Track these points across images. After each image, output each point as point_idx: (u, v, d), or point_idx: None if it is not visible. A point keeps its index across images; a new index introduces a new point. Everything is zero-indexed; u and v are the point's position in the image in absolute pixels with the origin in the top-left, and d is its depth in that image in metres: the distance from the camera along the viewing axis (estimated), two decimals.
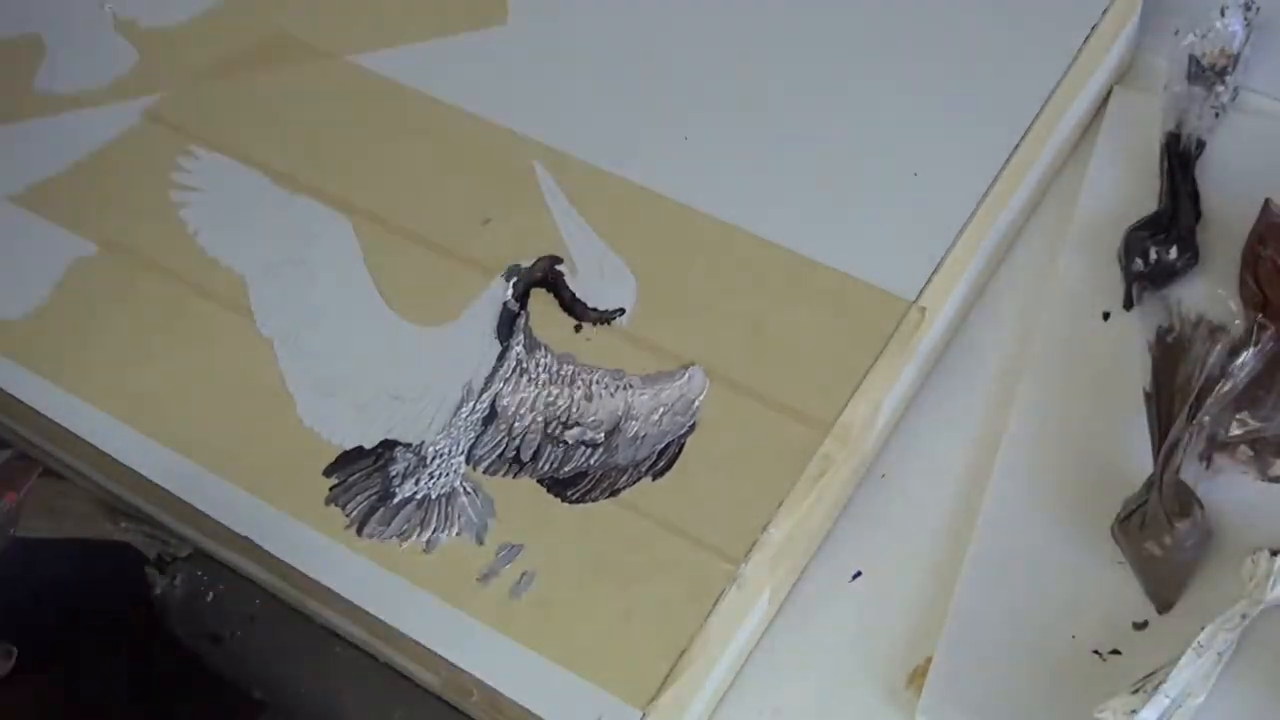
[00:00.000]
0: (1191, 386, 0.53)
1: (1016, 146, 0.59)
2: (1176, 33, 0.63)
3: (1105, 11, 0.62)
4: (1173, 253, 0.58)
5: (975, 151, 0.59)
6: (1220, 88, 0.62)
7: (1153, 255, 0.58)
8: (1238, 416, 0.53)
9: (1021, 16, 0.63)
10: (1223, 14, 0.63)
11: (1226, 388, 0.53)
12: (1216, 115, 0.62)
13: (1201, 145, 0.61)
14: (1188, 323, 0.56)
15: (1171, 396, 0.54)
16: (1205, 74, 0.62)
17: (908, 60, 0.63)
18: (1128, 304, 0.58)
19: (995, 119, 0.60)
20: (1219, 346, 0.53)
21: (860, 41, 0.64)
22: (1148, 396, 0.55)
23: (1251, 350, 0.53)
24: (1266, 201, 0.59)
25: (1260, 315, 0.55)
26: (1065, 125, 0.62)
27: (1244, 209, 0.59)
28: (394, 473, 0.55)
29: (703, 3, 0.66)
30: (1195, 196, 0.60)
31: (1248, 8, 0.63)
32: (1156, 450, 0.53)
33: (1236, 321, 0.55)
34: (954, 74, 0.62)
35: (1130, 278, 0.58)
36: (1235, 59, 0.63)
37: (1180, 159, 0.61)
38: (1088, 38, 0.62)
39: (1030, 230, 0.63)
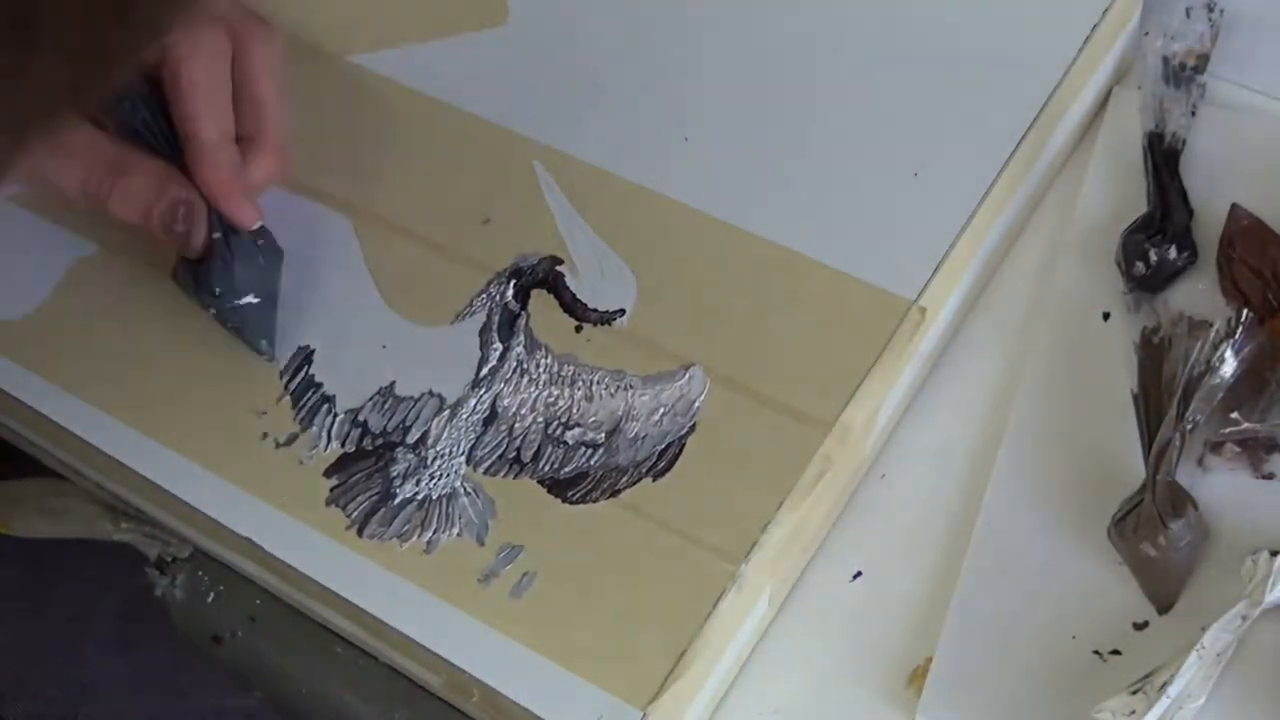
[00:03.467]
0: (1177, 384, 0.53)
1: (1016, 147, 0.59)
2: (1146, 34, 0.63)
3: (1105, 11, 0.62)
4: (1172, 252, 0.58)
5: (975, 151, 0.60)
6: (1195, 87, 0.62)
7: (1152, 257, 0.58)
8: (1230, 416, 0.54)
9: (1021, 17, 0.63)
10: (1188, 15, 0.63)
11: (1214, 383, 0.53)
12: (1193, 113, 0.62)
13: (1184, 143, 0.61)
14: (1170, 321, 0.56)
15: (1159, 396, 0.54)
16: (1178, 74, 0.62)
17: (908, 60, 0.63)
18: (1133, 308, 0.58)
19: (995, 119, 0.60)
20: (1200, 342, 0.53)
21: (860, 41, 0.64)
22: (1136, 398, 0.55)
23: (1231, 342, 0.53)
24: (1233, 206, 0.59)
25: (1244, 308, 0.55)
26: (1065, 125, 0.62)
27: (1230, 204, 0.59)
28: (394, 473, 0.55)
29: (703, 3, 0.66)
30: (1184, 194, 0.60)
31: (1210, 9, 0.63)
32: (1147, 451, 0.53)
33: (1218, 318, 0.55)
34: (954, 74, 0.62)
35: (1131, 282, 0.58)
36: (1205, 59, 0.63)
37: (1165, 157, 0.61)
38: (1088, 38, 0.62)
39: (1030, 230, 0.63)
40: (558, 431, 0.56)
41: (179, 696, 0.56)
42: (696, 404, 0.55)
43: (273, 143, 0.57)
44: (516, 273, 0.59)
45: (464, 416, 0.56)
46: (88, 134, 0.55)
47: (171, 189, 0.56)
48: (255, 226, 0.57)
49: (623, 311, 0.58)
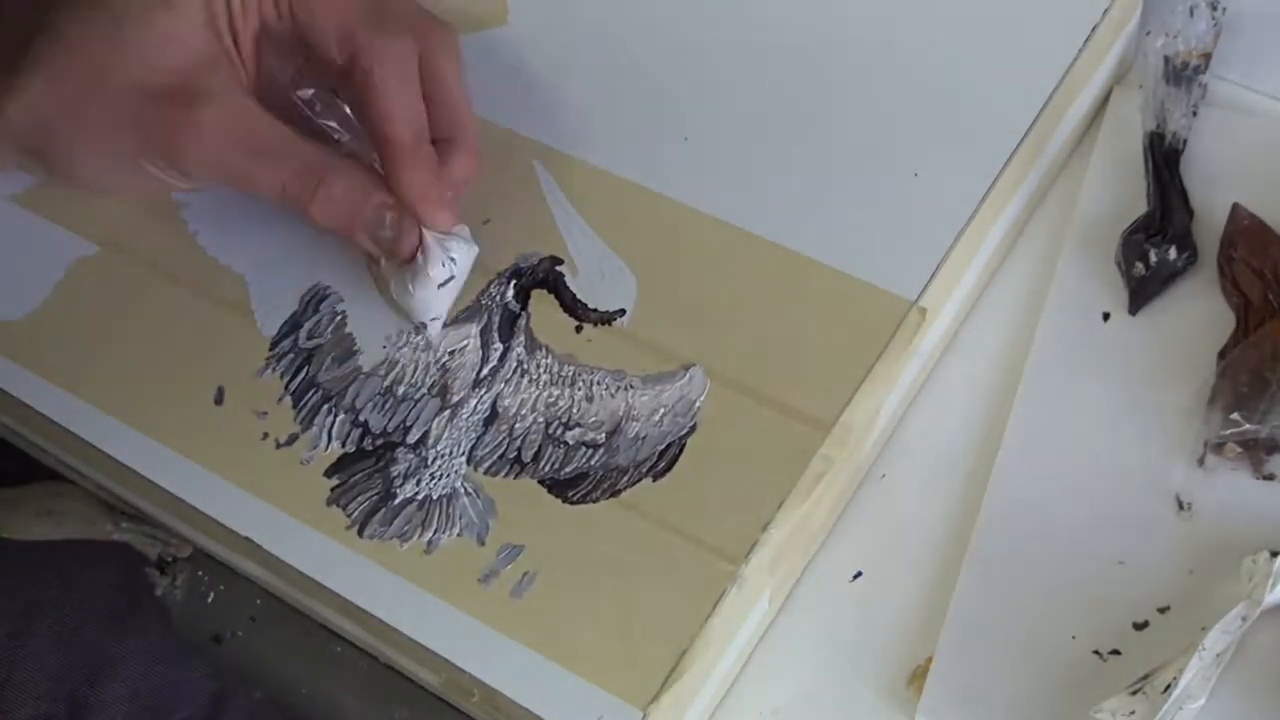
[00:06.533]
0: None
1: (1017, 147, 0.59)
2: (1148, 33, 0.63)
3: (1105, 12, 0.62)
4: (1172, 253, 0.58)
5: (975, 152, 0.59)
6: (1196, 86, 0.62)
7: (1152, 257, 0.58)
8: (1231, 417, 0.54)
9: (1021, 17, 0.63)
10: (1190, 14, 0.63)
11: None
12: (1195, 113, 0.62)
13: (1185, 143, 0.61)
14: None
15: None
16: (1180, 73, 0.62)
17: (908, 60, 0.63)
18: (1133, 309, 0.58)
19: (995, 119, 0.60)
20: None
21: (860, 41, 0.64)
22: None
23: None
24: (1234, 206, 0.59)
25: (1245, 309, 0.55)
26: (1065, 126, 0.62)
27: (1230, 204, 0.59)
28: (395, 473, 0.55)
29: (703, 3, 0.66)
30: (1184, 194, 0.60)
31: (1214, 7, 0.63)
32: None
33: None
34: (954, 74, 0.62)
35: (1132, 283, 0.58)
36: (1207, 58, 0.63)
37: (1165, 157, 0.61)
38: (1088, 38, 0.62)
39: (1030, 230, 0.63)
40: (558, 431, 0.56)
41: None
42: (697, 404, 0.55)
43: (470, 142, 0.57)
44: (516, 273, 0.59)
45: (464, 416, 0.56)
46: (287, 137, 0.54)
47: (377, 194, 0.54)
48: (453, 229, 0.56)
49: (623, 311, 0.58)
